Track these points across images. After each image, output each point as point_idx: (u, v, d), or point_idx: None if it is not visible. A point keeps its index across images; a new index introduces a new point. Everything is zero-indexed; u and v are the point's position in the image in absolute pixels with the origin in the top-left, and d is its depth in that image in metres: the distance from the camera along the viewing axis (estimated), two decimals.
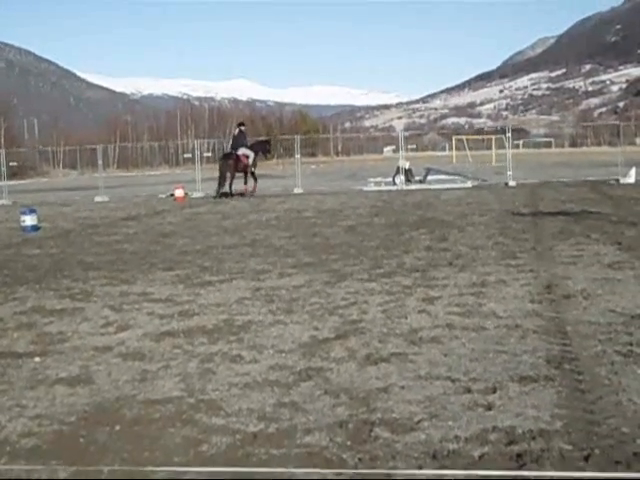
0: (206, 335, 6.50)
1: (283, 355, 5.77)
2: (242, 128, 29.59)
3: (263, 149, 29.47)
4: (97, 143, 42.46)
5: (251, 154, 28.06)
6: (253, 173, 28.38)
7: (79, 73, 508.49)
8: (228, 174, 27.65)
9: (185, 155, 64.29)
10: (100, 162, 36.87)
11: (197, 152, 35.98)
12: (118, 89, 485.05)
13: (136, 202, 27.50)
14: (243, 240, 13.67)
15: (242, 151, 28.00)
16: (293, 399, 4.73)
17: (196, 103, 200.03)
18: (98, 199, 30.14)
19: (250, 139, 30.03)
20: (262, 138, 32.43)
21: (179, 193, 27.78)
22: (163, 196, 30.01)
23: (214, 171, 31.70)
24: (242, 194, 27.69)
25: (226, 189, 27.69)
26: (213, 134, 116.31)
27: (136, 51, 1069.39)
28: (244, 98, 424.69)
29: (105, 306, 7.94)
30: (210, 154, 60.51)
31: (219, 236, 14.55)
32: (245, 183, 28.19)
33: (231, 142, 29.78)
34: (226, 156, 29.21)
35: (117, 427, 4.39)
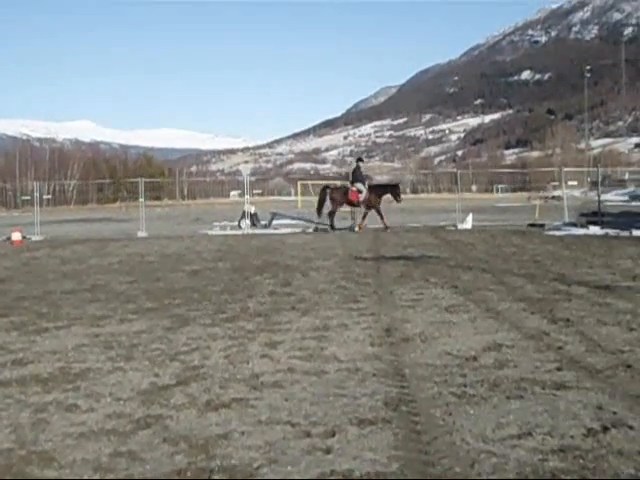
0: (40, 384, 6.25)
1: (121, 403, 5.62)
2: (360, 163, 30.21)
3: (393, 192, 29.96)
4: None
5: (364, 190, 28.59)
6: (379, 210, 28.94)
7: None
8: (329, 207, 28.97)
9: (23, 197, 62.27)
10: None
11: (36, 194, 34.89)
12: None
13: None
14: (82, 285, 13.28)
15: (357, 186, 28.62)
16: (130, 448, 4.61)
17: (36, 144, 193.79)
18: None
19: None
20: (393, 182, 32.84)
21: (16, 236, 26.76)
22: None
23: (54, 214, 30.88)
24: (360, 228, 28.58)
25: (323, 220, 29.16)
26: (54, 176, 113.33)
27: None
28: (87, 140, 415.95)
29: None
30: (50, 196, 58.93)
31: (57, 281, 14.08)
32: (363, 218, 29.06)
33: (351, 176, 29.83)
34: (327, 188, 30.33)
35: None
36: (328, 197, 29.24)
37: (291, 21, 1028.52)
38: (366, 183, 29.55)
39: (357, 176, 29.14)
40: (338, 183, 33.25)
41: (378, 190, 29.69)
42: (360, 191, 28.58)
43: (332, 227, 28.69)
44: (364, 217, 29.06)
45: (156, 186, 79.74)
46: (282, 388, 5.91)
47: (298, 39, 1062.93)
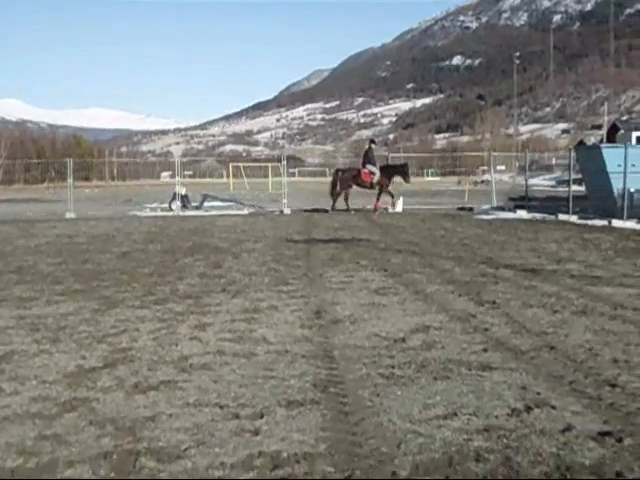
0: None
1: (47, 386, 5.54)
2: (373, 145, 30.52)
3: (402, 173, 29.74)
4: None
5: (377, 171, 28.71)
6: (389, 191, 29.12)
7: None
8: (339, 188, 29.07)
9: None
10: None
11: None
12: None
13: None
14: (8, 267, 13.00)
15: (368, 168, 28.74)
16: (56, 431, 4.55)
17: None
18: None
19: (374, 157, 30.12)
20: (400, 162, 32.21)
21: None
22: None
23: None
24: (375, 210, 28.50)
25: (338, 205, 28.85)
26: None
27: None
28: (14, 119, 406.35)
29: None
30: None
31: None
32: (377, 200, 28.86)
33: (362, 158, 29.71)
34: (339, 170, 30.65)
35: None
36: (338, 179, 29.48)
37: (224, 2, 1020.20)
38: (377, 164, 29.67)
39: (369, 158, 29.39)
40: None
41: (389, 171, 29.74)
42: (373, 172, 28.83)
43: (332, 208, 28.97)
44: (378, 198, 29.09)
45: (85, 166, 78.61)
46: (211, 370, 5.89)
47: (231, 20, 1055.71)
